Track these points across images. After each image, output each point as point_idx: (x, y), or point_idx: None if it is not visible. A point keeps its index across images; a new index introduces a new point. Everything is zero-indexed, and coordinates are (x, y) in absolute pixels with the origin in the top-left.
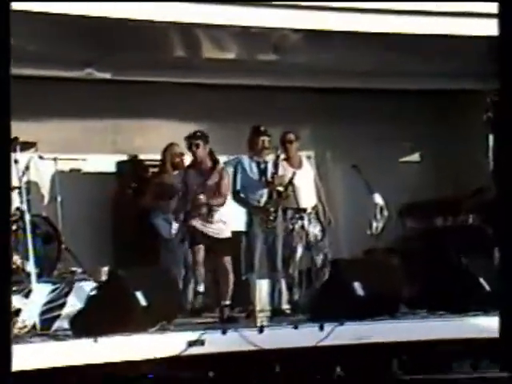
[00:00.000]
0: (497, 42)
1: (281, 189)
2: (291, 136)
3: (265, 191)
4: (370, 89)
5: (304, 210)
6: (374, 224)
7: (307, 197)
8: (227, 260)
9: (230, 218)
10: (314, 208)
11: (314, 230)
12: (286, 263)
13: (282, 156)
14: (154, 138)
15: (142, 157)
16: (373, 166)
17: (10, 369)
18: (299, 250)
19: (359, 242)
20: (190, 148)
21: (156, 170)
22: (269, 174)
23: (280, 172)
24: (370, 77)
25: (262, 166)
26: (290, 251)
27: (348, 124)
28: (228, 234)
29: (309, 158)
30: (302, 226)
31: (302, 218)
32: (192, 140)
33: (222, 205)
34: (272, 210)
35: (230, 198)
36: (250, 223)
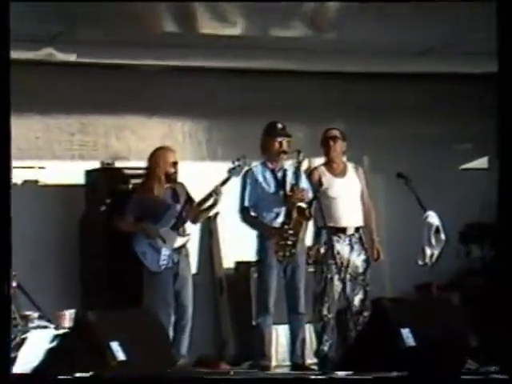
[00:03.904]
0: None
1: (303, 205)
2: (335, 132)
3: (282, 208)
4: (418, 73)
5: (343, 231)
6: (428, 251)
7: (349, 214)
8: None
9: None
10: (358, 231)
11: (356, 259)
12: (318, 302)
13: (306, 162)
14: (136, 140)
15: (120, 164)
16: (424, 174)
17: None
18: (337, 284)
19: (408, 276)
20: None
21: (140, 181)
22: (288, 186)
23: (303, 183)
24: (421, 56)
25: (280, 174)
26: (323, 285)
27: (390, 120)
28: None
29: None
30: (338, 252)
31: (339, 242)
32: None
33: None
34: (291, 232)
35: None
36: (262, 250)
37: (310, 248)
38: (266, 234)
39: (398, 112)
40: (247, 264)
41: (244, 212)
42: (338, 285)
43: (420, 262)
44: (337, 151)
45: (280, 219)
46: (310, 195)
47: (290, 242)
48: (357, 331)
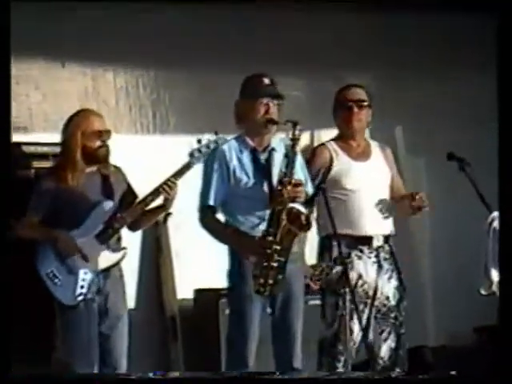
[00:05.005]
0: None
1: (298, 207)
2: (361, 92)
3: (267, 210)
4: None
5: (368, 242)
6: (496, 274)
7: (376, 216)
8: None
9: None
10: (388, 241)
11: (386, 285)
12: (328, 352)
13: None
14: (42, 101)
15: (17, 137)
16: (489, 156)
17: None
18: (355, 326)
19: (465, 312)
20: None
21: (49, 163)
22: (275, 175)
23: (299, 171)
24: None
25: (264, 157)
26: (337, 326)
27: (436, 73)
28: None
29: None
30: (360, 275)
31: (362, 258)
32: None
33: None
34: (276, 248)
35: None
36: (236, 273)
37: (314, 267)
38: (240, 249)
39: (452, 61)
40: (214, 293)
41: (207, 214)
42: (357, 327)
43: (483, 292)
44: (362, 122)
45: (262, 227)
46: (310, 190)
47: (274, 264)
48: None
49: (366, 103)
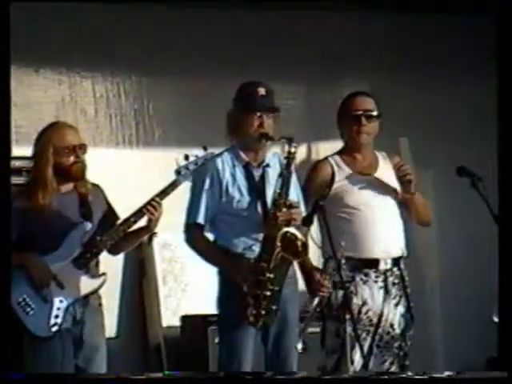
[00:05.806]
0: None
1: (294, 232)
2: (369, 101)
3: (260, 232)
4: None
5: (374, 265)
6: None
7: (383, 236)
8: None
9: None
10: (398, 263)
11: (392, 312)
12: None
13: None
14: (12, 109)
15: None
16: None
17: None
18: (356, 356)
19: (476, 342)
20: None
21: (20, 180)
22: (268, 194)
23: (294, 193)
24: None
25: (257, 173)
26: (338, 356)
27: (448, 74)
28: None
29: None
30: (365, 302)
31: (367, 283)
32: None
33: None
34: (269, 276)
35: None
36: (227, 298)
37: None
38: (230, 273)
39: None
40: (203, 320)
41: (194, 232)
42: (358, 359)
43: (496, 320)
44: (370, 135)
45: (255, 250)
46: (302, 213)
47: (267, 293)
48: None
49: (375, 113)
